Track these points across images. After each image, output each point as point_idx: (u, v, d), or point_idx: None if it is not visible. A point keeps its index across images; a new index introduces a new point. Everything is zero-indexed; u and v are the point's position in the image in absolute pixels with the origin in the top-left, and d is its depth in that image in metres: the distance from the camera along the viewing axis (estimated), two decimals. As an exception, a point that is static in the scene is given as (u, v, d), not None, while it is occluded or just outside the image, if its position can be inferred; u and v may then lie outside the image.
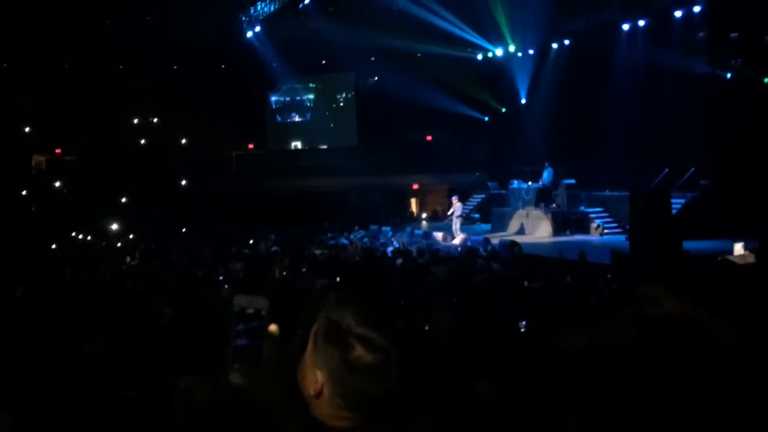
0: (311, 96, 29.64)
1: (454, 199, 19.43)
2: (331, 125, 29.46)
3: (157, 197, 24.16)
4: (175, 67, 26.02)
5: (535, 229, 18.93)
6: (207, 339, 5.19)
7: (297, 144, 29.99)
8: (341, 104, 29.50)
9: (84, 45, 23.32)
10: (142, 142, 28.02)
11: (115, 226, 21.74)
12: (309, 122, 29.65)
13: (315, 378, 1.42)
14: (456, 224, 18.84)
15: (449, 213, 19.34)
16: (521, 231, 19.18)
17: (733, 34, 17.06)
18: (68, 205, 23.03)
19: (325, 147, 29.60)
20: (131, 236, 19.91)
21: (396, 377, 1.40)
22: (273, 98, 29.77)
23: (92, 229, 20.45)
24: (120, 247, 17.39)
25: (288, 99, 29.88)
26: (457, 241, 17.50)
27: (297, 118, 29.96)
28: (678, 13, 18.02)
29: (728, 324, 2.04)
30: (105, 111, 24.47)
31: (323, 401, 1.42)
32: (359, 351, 1.39)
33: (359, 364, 1.38)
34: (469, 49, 24.09)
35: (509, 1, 20.58)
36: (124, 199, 24.75)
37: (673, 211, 14.93)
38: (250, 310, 1.44)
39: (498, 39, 22.77)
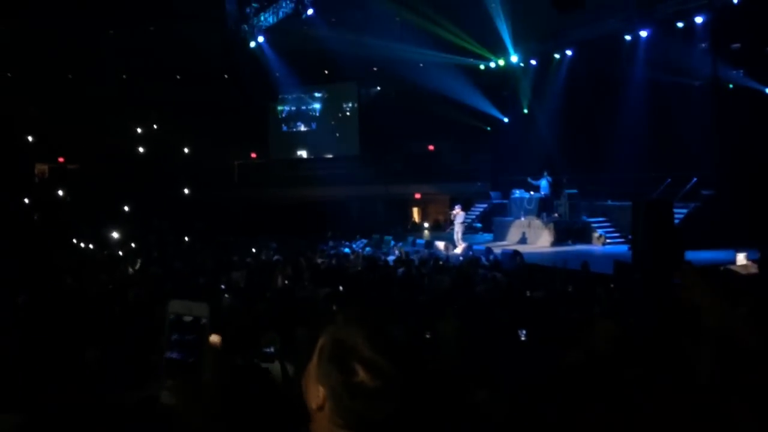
0: (317, 106, 29.72)
1: (457, 208, 19.43)
2: (337, 134, 29.55)
3: (160, 206, 24.18)
4: (178, 76, 26.12)
5: (537, 238, 18.91)
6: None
7: (303, 153, 30.03)
8: (347, 113, 29.58)
9: (87, 55, 23.43)
10: (145, 151, 28.09)
11: (117, 235, 21.76)
12: (314, 131, 29.72)
13: (317, 393, 1.37)
14: (458, 233, 18.83)
15: (452, 221, 19.34)
16: (523, 240, 19.16)
17: (735, 45, 17.08)
18: (71, 213, 23.06)
19: (330, 156, 29.65)
20: (133, 245, 19.91)
21: (398, 402, 1.34)
22: (280, 108, 29.87)
23: (94, 237, 20.46)
24: (122, 255, 17.40)
25: (294, 108, 29.97)
26: (458, 250, 17.49)
27: (303, 128, 30.03)
28: (680, 24, 18.05)
29: (756, 327, 2.00)
30: (108, 120, 24.53)
31: (324, 416, 1.37)
32: (362, 376, 1.33)
33: (361, 388, 1.33)
34: (472, 59, 24.14)
35: (511, 11, 20.63)
36: (126, 208, 24.77)
37: (676, 221, 14.90)
38: (188, 318, 1.24)
39: (500, 49, 22.82)
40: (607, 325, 3.22)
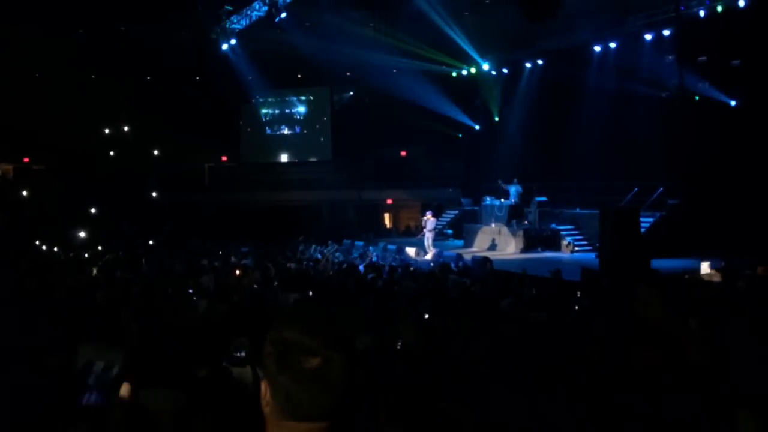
0: (302, 109, 29.56)
1: (429, 214, 19.48)
2: (321, 139, 29.45)
3: (128, 209, 23.84)
4: (148, 77, 25.82)
5: (506, 245, 19.06)
6: (173, 353, 5.11)
7: (284, 157, 29.82)
8: (324, 119, 29.53)
9: (55, 54, 23.03)
10: (114, 152, 27.68)
11: (83, 237, 21.39)
12: (298, 135, 29.57)
13: (264, 392, 1.40)
14: (428, 239, 18.88)
15: (423, 228, 19.36)
16: (493, 247, 19.30)
17: (702, 58, 17.45)
18: (35, 215, 22.60)
19: (306, 160, 29.53)
20: (99, 248, 19.59)
21: (338, 384, 1.37)
22: (264, 111, 29.67)
23: (60, 239, 20.08)
24: (87, 258, 17.11)
25: (278, 112, 29.79)
26: (429, 256, 17.54)
27: (287, 131, 29.85)
28: (648, 37, 18.41)
29: (705, 344, 2.08)
30: (76, 120, 24.16)
31: (271, 413, 1.40)
32: (298, 358, 1.36)
33: (297, 371, 1.36)
34: (444, 67, 24.30)
35: (482, 20, 20.82)
36: (93, 210, 24.37)
37: (642, 230, 15.15)
38: (100, 364, 1.18)
39: (471, 57, 23.02)
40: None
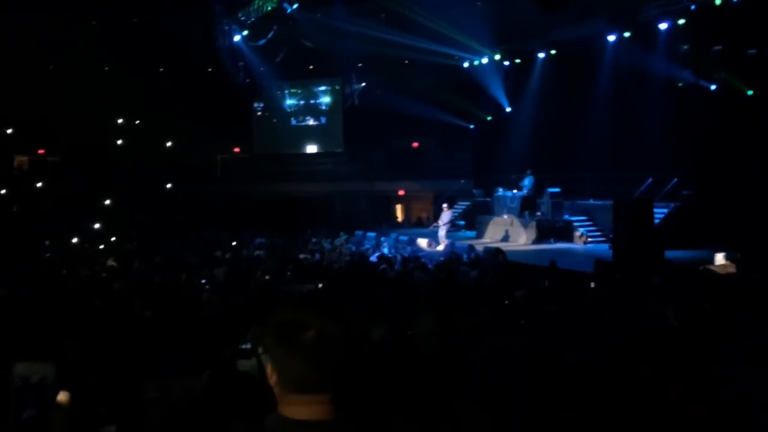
0: (327, 99, 29.45)
1: (445, 206, 19.43)
2: (333, 131, 29.34)
3: (141, 200, 23.99)
4: (161, 69, 25.89)
5: (519, 236, 19.02)
6: (187, 342, 5.16)
7: (311, 148, 29.76)
8: (331, 110, 29.45)
9: (70, 46, 23.14)
10: (127, 144, 27.83)
11: (97, 227, 21.57)
12: (323, 126, 29.48)
13: (270, 372, 1.51)
14: (442, 231, 18.83)
15: (442, 220, 19.27)
16: (506, 238, 19.26)
17: (717, 47, 17.27)
18: (50, 206, 22.80)
19: (326, 151, 29.46)
20: (113, 238, 19.75)
21: (333, 356, 1.47)
22: (288, 102, 29.65)
23: (75, 230, 20.26)
24: (102, 249, 17.26)
25: (303, 102, 29.75)
26: (440, 247, 17.52)
27: (312, 122, 29.79)
28: (663, 26, 18.21)
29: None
30: (89, 112, 24.28)
31: (277, 388, 1.49)
32: (295, 332, 1.47)
33: (294, 344, 1.46)
34: (456, 57, 24.19)
35: (495, 10, 20.68)
36: (107, 201, 24.54)
37: (656, 221, 15.06)
38: (35, 379, 1.23)
39: (483, 47, 22.90)
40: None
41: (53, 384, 1.25)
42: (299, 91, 29.53)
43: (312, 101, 29.60)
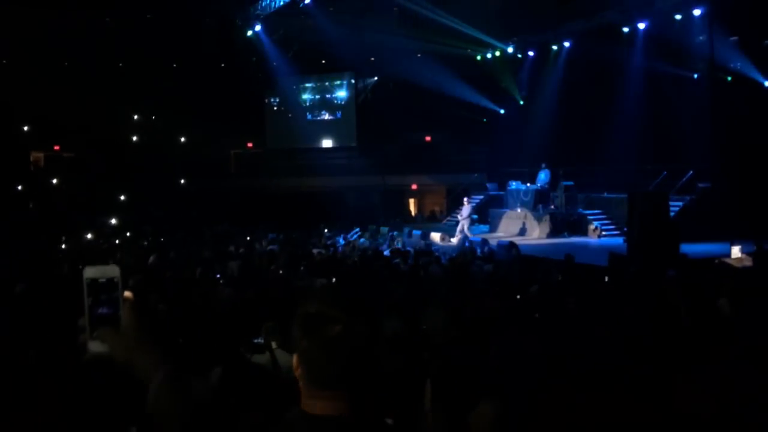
0: (343, 94, 29.37)
1: (465, 200, 19.34)
2: (346, 125, 29.24)
3: (156, 195, 24.14)
4: (175, 65, 25.99)
5: (533, 230, 18.95)
6: (201, 336, 5.19)
7: (328, 143, 29.74)
8: (343, 103, 29.39)
9: (84, 42, 23.28)
10: (141, 139, 27.99)
11: (113, 223, 21.74)
12: (339, 120, 29.40)
13: (296, 364, 1.51)
14: (464, 225, 18.70)
15: (462, 215, 19.17)
16: (520, 232, 19.20)
17: (734, 37, 17.08)
18: (66, 202, 23.01)
19: (339, 146, 29.38)
20: (128, 234, 19.90)
21: (359, 351, 1.47)
22: (303, 96, 29.63)
23: (90, 226, 20.44)
24: (118, 244, 17.40)
25: (318, 97, 29.71)
26: (454, 240, 17.47)
27: (327, 116, 29.74)
28: (678, 17, 18.03)
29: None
30: (104, 108, 24.43)
31: (301, 380, 1.50)
32: (321, 325, 1.47)
33: (321, 337, 1.46)
34: (469, 50, 24.09)
35: (510, 1, 20.55)
36: (122, 197, 24.72)
37: (671, 214, 14.95)
38: (102, 280, 1.46)
39: (491, 42, 22.82)
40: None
41: (118, 282, 1.46)
42: (314, 86, 29.45)
43: (328, 96, 29.54)
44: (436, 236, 18.80)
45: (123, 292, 1.48)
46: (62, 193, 24.52)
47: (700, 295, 5.73)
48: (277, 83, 27.50)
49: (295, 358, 1.51)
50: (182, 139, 28.42)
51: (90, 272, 1.47)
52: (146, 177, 24.46)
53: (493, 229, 20.67)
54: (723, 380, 3.24)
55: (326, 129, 29.55)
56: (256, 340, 5.18)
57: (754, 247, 11.48)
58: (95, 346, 1.45)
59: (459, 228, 18.62)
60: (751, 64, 16.67)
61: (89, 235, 19.26)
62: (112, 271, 1.48)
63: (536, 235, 18.64)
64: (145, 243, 17.55)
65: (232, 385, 3.60)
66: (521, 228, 19.27)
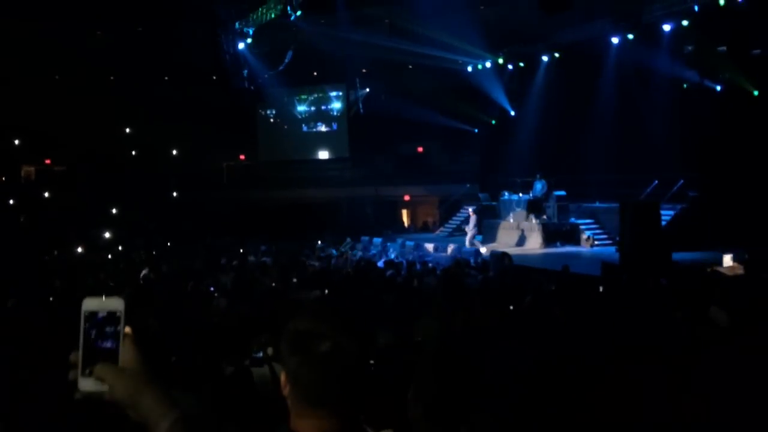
0: (338, 105, 29.42)
1: (470, 210, 19.37)
2: (338, 136, 29.30)
3: (148, 208, 24.08)
4: (166, 77, 26.00)
5: (525, 240, 18.97)
6: (194, 352, 5.16)
7: (324, 154, 29.74)
8: (336, 115, 29.46)
9: (75, 55, 23.27)
10: (133, 152, 27.95)
11: (105, 237, 21.65)
12: (335, 132, 29.43)
13: (284, 382, 1.49)
14: (471, 233, 18.75)
15: (468, 226, 19.22)
16: (512, 242, 19.21)
17: (721, 48, 17.23)
18: (58, 215, 22.90)
19: (332, 157, 29.39)
20: (120, 247, 19.81)
21: (349, 369, 1.44)
22: (299, 108, 29.68)
23: (82, 239, 20.34)
24: (110, 258, 17.32)
25: (314, 109, 29.75)
26: (483, 250, 17.24)
27: (324, 128, 29.77)
28: (666, 27, 18.19)
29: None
30: (95, 121, 24.39)
31: (290, 399, 1.47)
32: (310, 343, 1.44)
33: (309, 354, 1.43)
34: (459, 62, 24.22)
35: (498, 13, 20.67)
36: (114, 210, 24.64)
37: (663, 223, 15.01)
38: (103, 314, 1.35)
39: (482, 54, 22.95)
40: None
41: (121, 316, 1.35)
42: (309, 97, 29.52)
43: (324, 107, 29.61)
44: (429, 247, 18.85)
45: (125, 327, 1.36)
46: (53, 207, 24.42)
47: (692, 304, 5.75)
48: (270, 95, 27.51)
49: (283, 376, 1.48)
50: (174, 152, 28.39)
51: (89, 304, 1.35)
52: (138, 190, 24.40)
53: (487, 239, 20.68)
54: (716, 387, 3.24)
55: (322, 140, 29.61)
56: (255, 354, 5.15)
57: (746, 256, 11.53)
58: (87, 385, 1.33)
59: (469, 238, 18.68)
60: (740, 73, 16.81)
61: (80, 249, 19.16)
62: (115, 304, 1.36)
63: (529, 245, 18.66)
64: (138, 256, 17.46)
65: (223, 402, 3.58)
66: (518, 238, 19.24)
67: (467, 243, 18.55)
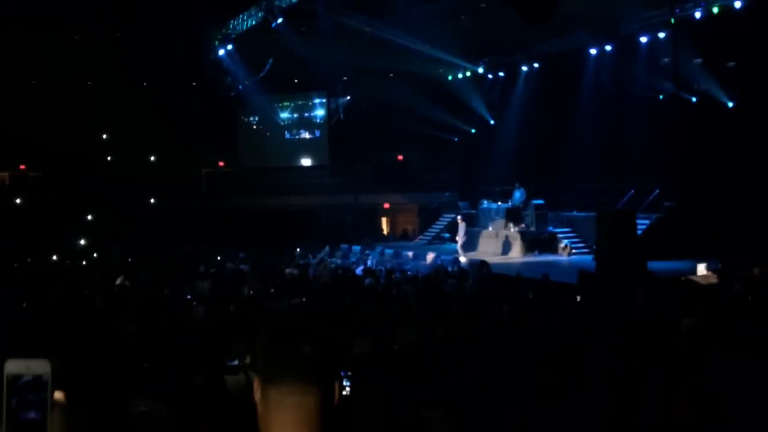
0: (322, 112, 29.32)
1: (459, 218, 19.32)
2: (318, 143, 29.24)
3: (125, 215, 23.80)
4: (144, 83, 25.79)
5: (504, 248, 19.05)
6: (170, 359, 5.11)
7: (307, 161, 29.61)
8: (317, 122, 29.41)
9: (52, 60, 23.01)
10: (110, 158, 27.64)
11: (80, 244, 21.37)
12: (318, 139, 29.32)
13: (256, 388, 1.45)
14: (460, 243, 18.62)
15: (458, 234, 19.07)
16: (491, 251, 19.28)
17: (697, 60, 17.52)
18: (32, 222, 22.55)
19: (326, 164, 29.25)
20: (95, 254, 19.57)
21: (321, 373, 1.41)
22: (282, 115, 29.56)
23: (56, 247, 20.04)
24: (85, 265, 17.10)
25: (297, 116, 29.64)
26: (462, 258, 17.14)
27: (307, 135, 29.66)
28: (644, 39, 18.46)
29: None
30: (72, 127, 24.10)
31: (261, 412, 1.43)
32: (286, 348, 1.42)
33: (285, 360, 1.41)
34: (440, 70, 24.33)
35: (478, 23, 20.83)
36: (90, 217, 24.32)
37: (639, 232, 15.17)
38: (28, 377, 1.18)
39: (462, 63, 23.11)
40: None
41: (47, 381, 1.17)
42: (290, 105, 29.46)
43: (307, 114, 29.55)
44: (408, 254, 18.79)
45: (53, 393, 1.18)
46: (28, 213, 24.05)
47: (666, 313, 5.82)
48: (251, 102, 27.41)
49: (256, 382, 1.45)
50: (152, 158, 28.13)
51: (12, 367, 1.18)
52: (115, 196, 24.12)
53: (466, 247, 20.71)
54: (691, 393, 3.28)
55: (305, 148, 29.53)
56: (231, 362, 5.11)
57: (719, 265, 11.69)
58: None
59: (458, 248, 18.56)
60: (715, 85, 17.09)
61: (55, 257, 18.89)
62: (41, 367, 1.18)
63: (507, 253, 18.74)
64: (113, 264, 17.25)
65: (194, 411, 3.54)
66: (497, 247, 19.24)
67: (460, 251, 18.42)
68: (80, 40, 23.49)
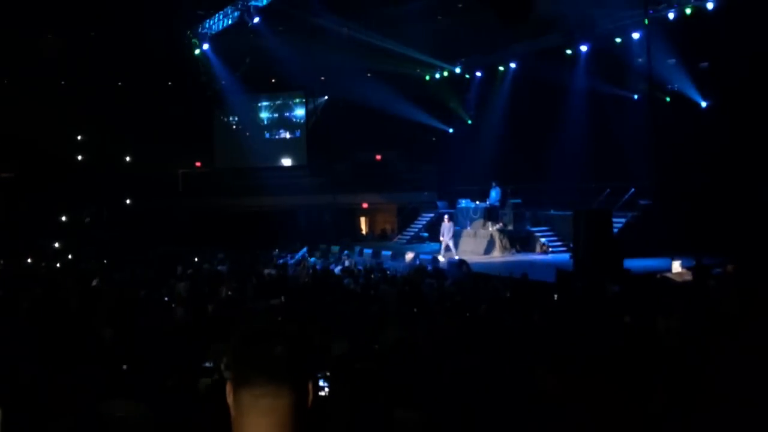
0: (301, 112, 29.17)
1: (446, 217, 19.30)
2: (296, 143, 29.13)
3: (101, 216, 23.52)
4: (120, 83, 25.50)
5: (482, 247, 19.13)
6: (146, 360, 5.06)
7: (287, 161, 29.44)
8: (295, 122, 29.30)
9: (24, 59, 22.64)
10: (85, 159, 27.27)
11: (54, 246, 21.07)
12: (298, 139, 29.16)
13: (229, 390, 1.45)
14: (448, 242, 18.60)
15: (442, 235, 19.04)
16: (470, 249, 19.35)
17: (671, 60, 17.75)
18: (4, 224, 22.18)
19: (303, 164, 29.12)
20: (70, 256, 19.31)
21: (296, 374, 1.41)
22: (262, 115, 29.37)
23: (30, 249, 19.73)
24: (59, 268, 16.86)
25: (277, 116, 29.45)
26: (441, 258, 17.11)
27: (288, 135, 29.48)
28: (618, 39, 18.67)
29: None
30: (45, 127, 23.72)
31: (234, 415, 1.42)
32: (258, 349, 1.42)
33: (258, 361, 1.40)
34: (418, 70, 24.37)
35: (457, 23, 20.90)
36: (64, 218, 23.99)
37: (615, 230, 15.34)
38: None
39: (440, 63, 23.17)
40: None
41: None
42: (270, 104, 29.30)
43: (287, 114, 29.41)
44: (410, 255, 18.64)
45: None
46: (0, 216, 23.65)
47: (641, 311, 5.88)
48: (230, 102, 27.22)
49: (228, 385, 1.44)
50: (128, 158, 27.81)
51: None
52: (90, 197, 23.82)
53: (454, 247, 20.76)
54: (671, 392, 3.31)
55: (285, 148, 29.39)
56: (205, 364, 5.07)
57: (694, 262, 11.86)
58: None
59: (443, 247, 18.57)
60: (688, 84, 17.33)
61: (29, 259, 18.60)
62: None
63: (486, 252, 18.82)
64: (88, 266, 17.04)
65: (169, 412, 3.50)
66: (476, 246, 19.27)
67: (454, 252, 18.45)
68: (52, 39, 23.16)
